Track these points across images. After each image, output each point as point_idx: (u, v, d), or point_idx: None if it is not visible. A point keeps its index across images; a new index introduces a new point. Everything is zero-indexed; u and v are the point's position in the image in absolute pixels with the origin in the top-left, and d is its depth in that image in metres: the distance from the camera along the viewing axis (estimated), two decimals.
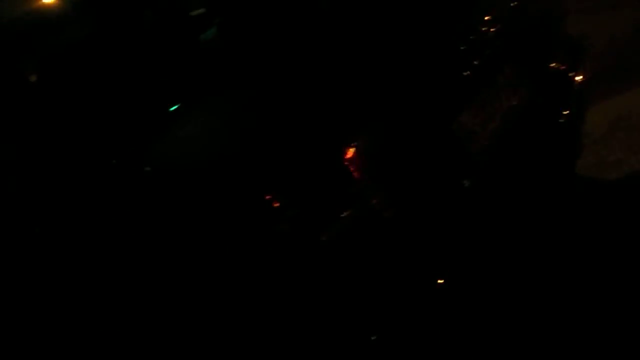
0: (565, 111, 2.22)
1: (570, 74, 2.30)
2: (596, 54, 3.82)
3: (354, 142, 1.65)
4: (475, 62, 1.92)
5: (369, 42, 1.87)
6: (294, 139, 1.68)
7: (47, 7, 2.29)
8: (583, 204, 2.66)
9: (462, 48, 1.92)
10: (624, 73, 3.64)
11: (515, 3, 2.20)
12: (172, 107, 1.94)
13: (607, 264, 2.42)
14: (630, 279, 2.36)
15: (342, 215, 1.61)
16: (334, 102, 1.72)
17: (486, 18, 2.02)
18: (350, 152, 1.62)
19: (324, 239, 1.58)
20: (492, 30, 2.02)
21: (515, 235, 2.00)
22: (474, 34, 1.96)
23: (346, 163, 1.63)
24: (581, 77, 2.33)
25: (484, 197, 1.87)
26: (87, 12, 2.26)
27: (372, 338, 1.64)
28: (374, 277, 1.63)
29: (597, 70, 3.65)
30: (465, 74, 1.89)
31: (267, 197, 1.62)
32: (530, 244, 2.08)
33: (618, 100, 3.39)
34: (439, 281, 1.70)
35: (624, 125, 3.19)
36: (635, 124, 3.17)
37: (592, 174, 2.93)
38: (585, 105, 2.46)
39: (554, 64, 2.27)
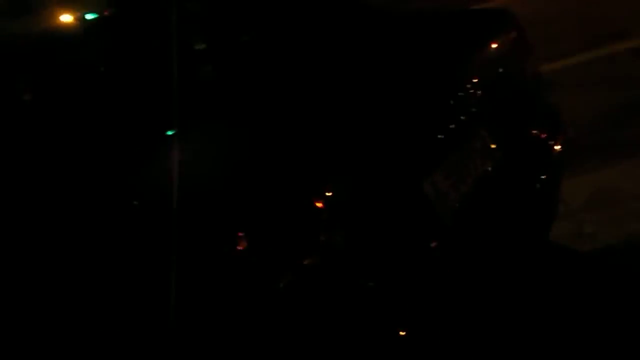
0: (542, 177, 2.22)
1: (549, 143, 2.31)
2: (582, 127, 3.91)
3: (325, 192, 1.65)
4: (452, 125, 1.93)
5: (345, 93, 1.89)
6: (269, 182, 1.68)
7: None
8: (553, 272, 2.66)
9: (439, 110, 1.94)
10: (607, 149, 3.68)
11: (501, 70, 2.23)
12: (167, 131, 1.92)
13: (572, 334, 2.41)
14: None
15: (303, 263, 1.60)
16: (310, 150, 1.73)
17: (469, 83, 2.05)
18: (320, 202, 1.63)
19: (281, 285, 1.56)
20: (472, 94, 2.03)
21: (483, 298, 1.98)
22: (453, 97, 1.98)
23: (315, 212, 1.63)
24: (560, 147, 2.34)
25: (451, 259, 1.86)
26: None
27: None
28: (329, 326, 1.61)
29: (580, 144, 3.73)
30: (440, 136, 1.91)
31: (236, 236, 1.61)
32: (497, 307, 2.07)
33: (598, 175, 3.42)
34: (400, 333, 1.69)
35: (602, 200, 3.21)
36: (612, 200, 3.19)
37: (566, 243, 2.93)
38: (561, 173, 2.47)
39: (533, 132, 2.29)
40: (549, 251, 2.69)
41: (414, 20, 2.38)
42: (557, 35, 6.07)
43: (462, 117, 1.98)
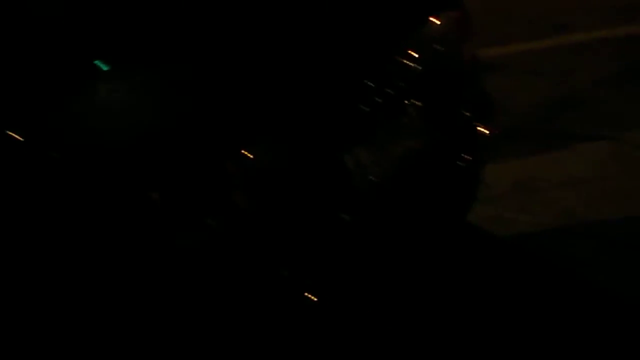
0: (467, 156, 2.21)
1: (478, 126, 2.30)
2: (517, 115, 3.96)
3: (242, 150, 1.62)
4: (379, 99, 1.89)
5: (268, 57, 1.84)
6: (185, 138, 1.64)
7: None
8: (469, 253, 2.69)
9: (367, 82, 1.90)
10: (538, 138, 3.74)
11: (438, 49, 2.19)
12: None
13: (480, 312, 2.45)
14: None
15: (209, 223, 1.56)
16: (229, 110, 1.69)
17: (402, 57, 2.01)
18: (235, 160, 1.59)
19: (181, 242, 1.52)
20: (403, 69, 2.00)
21: (396, 273, 1.98)
22: (383, 70, 1.94)
23: (228, 171, 1.59)
24: (488, 131, 2.34)
25: (367, 233, 1.84)
26: None
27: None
28: (231, 288, 1.59)
29: (513, 130, 3.78)
30: (366, 108, 1.87)
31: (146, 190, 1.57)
32: (409, 283, 2.08)
33: (525, 162, 3.47)
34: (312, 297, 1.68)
35: (525, 187, 3.26)
36: (535, 187, 3.24)
37: (485, 226, 2.97)
38: (486, 157, 2.47)
39: (463, 113, 2.28)
40: (467, 232, 2.71)
41: None
42: (504, 23, 6.14)
43: (390, 92, 1.94)
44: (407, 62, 2.12)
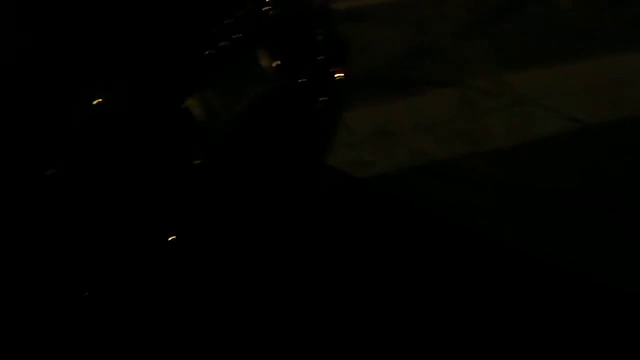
0: (321, 101, 2.28)
1: (332, 70, 2.38)
2: (374, 63, 4.08)
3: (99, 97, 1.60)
4: (225, 43, 1.91)
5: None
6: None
7: None
8: (329, 195, 2.79)
9: (210, 26, 1.91)
10: (395, 85, 3.88)
11: None
12: None
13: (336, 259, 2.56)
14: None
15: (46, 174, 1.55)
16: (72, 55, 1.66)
17: (247, 3, 2.03)
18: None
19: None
20: (249, 14, 2.02)
21: (253, 215, 2.03)
22: (225, 15, 1.95)
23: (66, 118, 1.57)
24: (342, 74, 2.42)
25: (220, 177, 1.88)
26: None
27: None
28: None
29: (370, 78, 3.91)
30: (210, 53, 1.88)
31: None
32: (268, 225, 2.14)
33: (384, 108, 3.61)
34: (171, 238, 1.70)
35: (384, 131, 3.39)
36: (393, 131, 3.38)
37: (345, 169, 3.08)
38: (343, 99, 2.56)
39: (316, 58, 2.34)
40: (327, 175, 2.81)
41: None
42: None
43: (237, 36, 1.96)
44: (251, 8, 2.14)
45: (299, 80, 2.19)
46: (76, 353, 1.66)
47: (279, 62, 2.10)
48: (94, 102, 1.65)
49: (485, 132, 3.32)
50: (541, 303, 2.34)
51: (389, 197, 2.96)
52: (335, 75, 2.35)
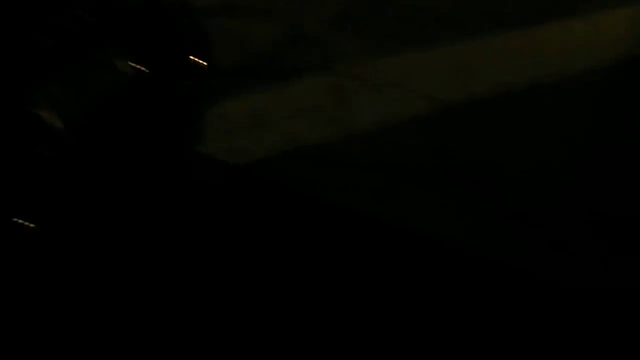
0: (183, 92, 2.31)
1: (193, 61, 2.40)
2: (249, 52, 4.13)
3: None
4: (68, 37, 1.89)
5: None
6: None
7: None
8: (204, 183, 2.82)
9: (56, 20, 1.89)
10: (269, 73, 3.94)
11: None
12: None
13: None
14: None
15: None
16: None
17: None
18: None
19: None
20: (101, 8, 2.01)
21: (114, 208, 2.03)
22: (76, 8, 1.93)
23: None
24: (205, 64, 2.45)
25: (71, 169, 1.86)
26: None
27: None
28: None
29: (245, 67, 3.95)
30: (48, 44, 1.86)
31: None
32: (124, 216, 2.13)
33: (259, 96, 3.66)
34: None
35: (258, 118, 3.44)
36: (268, 119, 3.44)
37: (220, 157, 3.11)
38: (205, 90, 2.59)
39: (173, 49, 2.36)
40: (200, 163, 2.83)
41: None
42: None
43: (85, 28, 1.95)
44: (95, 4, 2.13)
45: (152, 71, 2.20)
46: None
47: (132, 54, 2.10)
48: None
49: (353, 115, 3.44)
50: (421, 277, 2.48)
51: (264, 182, 3.02)
52: (196, 65, 2.38)
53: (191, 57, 2.35)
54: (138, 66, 2.09)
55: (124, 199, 2.04)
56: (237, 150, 3.20)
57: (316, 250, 2.64)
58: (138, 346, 2.09)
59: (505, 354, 2.20)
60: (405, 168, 3.07)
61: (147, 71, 2.13)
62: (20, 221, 1.69)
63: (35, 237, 1.70)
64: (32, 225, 1.69)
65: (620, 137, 3.37)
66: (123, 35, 2.07)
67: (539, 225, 2.79)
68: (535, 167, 3.11)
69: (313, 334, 2.22)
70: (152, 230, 2.26)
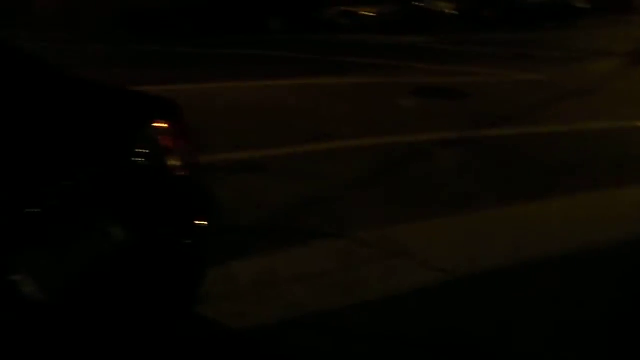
0: (184, 246, 2.22)
1: (194, 223, 2.35)
2: (261, 212, 4.10)
3: None
4: (53, 202, 1.84)
5: None
6: None
7: None
8: (197, 347, 2.68)
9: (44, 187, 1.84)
10: (279, 234, 3.89)
11: (137, 157, 2.13)
12: None
13: None
14: None
15: None
16: None
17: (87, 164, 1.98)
18: None
19: None
20: (88, 176, 1.98)
21: None
22: (60, 175, 1.89)
23: None
24: (206, 222, 2.39)
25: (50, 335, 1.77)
26: None
27: None
28: None
29: (255, 227, 3.92)
30: (34, 211, 1.80)
31: None
32: None
33: (266, 258, 3.57)
34: None
35: (264, 282, 3.34)
36: (273, 282, 3.33)
37: (222, 321, 2.98)
38: (206, 252, 2.50)
39: (173, 212, 2.31)
40: (200, 327, 2.70)
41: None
42: (272, 129, 6.49)
43: (72, 195, 1.91)
44: (91, 169, 2.05)
45: (142, 236, 2.13)
46: None
47: (120, 219, 2.04)
48: None
49: (360, 283, 3.32)
50: None
51: (259, 350, 2.87)
52: (198, 226, 2.33)
53: (192, 217, 2.29)
54: (129, 230, 2.02)
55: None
56: (238, 315, 3.07)
57: None
58: None
59: None
60: (410, 342, 2.89)
61: (143, 234, 2.06)
62: None
63: None
64: None
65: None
66: (118, 197, 1.99)
67: None
68: (543, 344, 2.90)
69: None
70: None
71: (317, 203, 4.44)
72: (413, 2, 21.17)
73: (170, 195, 2.26)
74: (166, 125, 2.19)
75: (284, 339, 2.91)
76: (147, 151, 2.13)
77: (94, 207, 1.95)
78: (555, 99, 8.51)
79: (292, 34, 17.49)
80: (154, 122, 2.18)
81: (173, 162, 2.26)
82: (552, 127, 6.85)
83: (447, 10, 21.54)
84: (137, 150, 2.11)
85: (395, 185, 4.86)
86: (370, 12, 20.37)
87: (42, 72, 2.32)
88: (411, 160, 5.57)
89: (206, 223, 2.42)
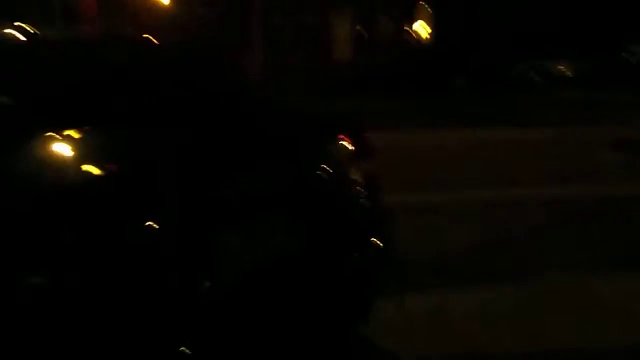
0: (354, 262, 2.18)
1: (368, 240, 2.30)
2: (449, 252, 3.94)
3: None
4: (252, 196, 1.92)
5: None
6: None
7: None
8: None
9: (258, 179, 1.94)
10: (460, 275, 3.71)
11: (324, 167, 2.23)
12: None
13: None
14: None
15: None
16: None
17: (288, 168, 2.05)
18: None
19: None
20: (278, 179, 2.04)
21: None
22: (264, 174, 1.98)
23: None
24: (381, 244, 2.33)
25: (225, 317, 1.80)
26: None
27: None
28: None
29: (438, 265, 3.78)
30: (237, 200, 1.89)
31: None
32: None
33: (446, 296, 3.41)
34: None
35: (439, 319, 3.18)
36: (449, 320, 3.16)
37: (388, 349, 2.87)
38: (377, 275, 2.43)
39: (348, 225, 2.28)
40: (359, 348, 2.61)
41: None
42: (459, 175, 6.35)
43: (265, 195, 1.97)
44: (283, 173, 2.14)
45: (325, 246, 2.13)
46: None
47: (311, 224, 2.07)
48: None
49: (543, 332, 3.04)
50: None
51: None
52: (373, 243, 2.27)
53: (369, 234, 2.25)
54: (306, 235, 2.04)
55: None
56: (406, 345, 2.95)
57: None
58: None
59: None
60: None
61: (322, 242, 2.07)
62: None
63: None
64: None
65: None
66: (305, 201, 2.07)
67: None
68: None
69: None
70: None
71: (498, 247, 4.22)
72: (623, 54, 19.64)
73: (349, 207, 2.26)
74: (349, 141, 2.30)
75: None
76: (333, 162, 2.23)
77: (283, 208, 2.02)
78: None
79: (479, 92, 16.92)
80: (340, 137, 2.31)
81: (355, 176, 2.29)
82: None
83: None
84: (324, 160, 2.20)
85: (586, 236, 4.47)
86: (566, 69, 19.37)
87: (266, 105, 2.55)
88: (604, 213, 5.12)
89: (381, 245, 2.37)
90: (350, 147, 2.32)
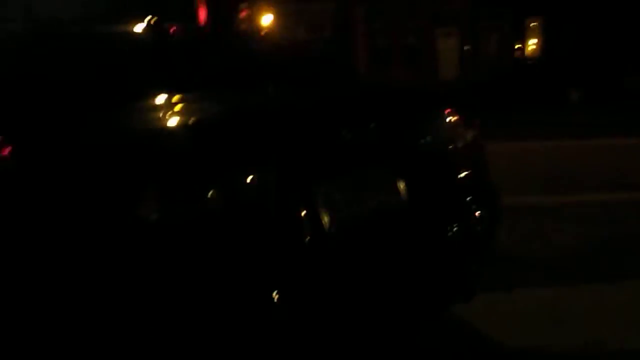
0: (453, 242, 2.09)
1: (473, 210, 2.20)
2: (563, 250, 3.74)
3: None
4: (354, 149, 1.90)
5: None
6: None
7: None
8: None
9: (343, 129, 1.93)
10: (579, 272, 3.49)
11: (433, 134, 2.22)
12: None
13: None
14: None
15: None
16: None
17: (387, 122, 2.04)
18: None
19: None
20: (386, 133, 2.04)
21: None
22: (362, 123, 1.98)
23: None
24: (483, 214, 2.22)
25: (324, 262, 1.78)
26: None
27: None
28: None
29: (552, 262, 3.57)
30: (338, 152, 1.88)
31: None
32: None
33: (553, 294, 3.21)
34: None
35: (557, 315, 2.98)
36: (566, 316, 2.95)
37: (493, 338, 2.72)
38: (481, 244, 2.32)
39: (455, 194, 2.20)
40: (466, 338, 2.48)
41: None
42: (581, 177, 6.04)
43: (369, 147, 1.97)
44: (388, 127, 2.14)
45: (427, 210, 2.05)
46: None
47: (414, 187, 2.04)
48: None
49: None
50: None
51: None
52: (477, 216, 2.16)
53: (473, 205, 2.17)
54: (410, 197, 2.00)
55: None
56: (514, 334, 2.79)
57: None
58: None
59: None
60: None
61: (418, 204, 2.02)
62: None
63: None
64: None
65: None
66: (411, 162, 2.06)
67: None
68: None
69: None
70: None
71: (617, 246, 3.94)
72: None
73: (455, 176, 2.20)
74: (456, 116, 2.30)
75: None
76: (440, 131, 2.23)
77: (387, 162, 2.02)
78: None
79: (596, 105, 16.08)
80: (447, 111, 2.31)
81: (460, 145, 2.25)
82: None
83: None
84: (431, 128, 2.22)
85: None
86: None
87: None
88: None
89: (487, 220, 2.26)
90: (455, 118, 2.30)
